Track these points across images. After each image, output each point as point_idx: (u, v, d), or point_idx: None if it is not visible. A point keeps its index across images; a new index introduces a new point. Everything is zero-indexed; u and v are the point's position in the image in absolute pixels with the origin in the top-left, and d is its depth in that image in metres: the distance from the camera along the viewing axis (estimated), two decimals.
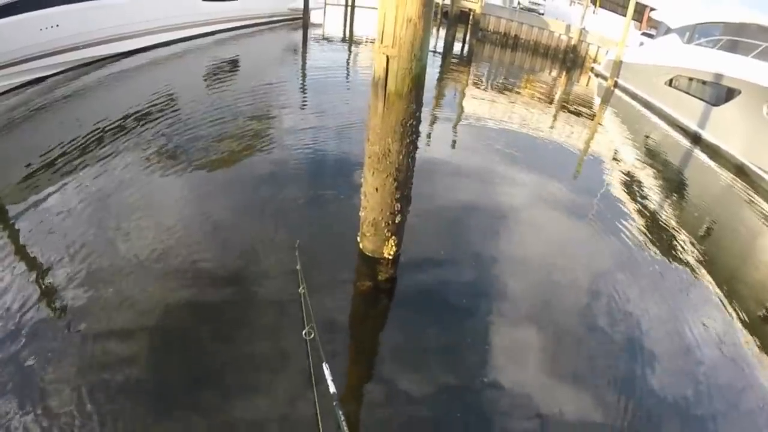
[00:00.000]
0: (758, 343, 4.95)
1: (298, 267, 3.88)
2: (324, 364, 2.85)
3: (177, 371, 3.32)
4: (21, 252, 4.19)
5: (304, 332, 3.23)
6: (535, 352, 4.02)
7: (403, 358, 3.63)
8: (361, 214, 3.96)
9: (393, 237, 3.90)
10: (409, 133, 3.44)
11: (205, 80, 11.06)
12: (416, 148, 3.76)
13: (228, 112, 8.38)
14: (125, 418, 2.98)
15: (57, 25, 9.64)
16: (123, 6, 11.53)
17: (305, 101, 10.15)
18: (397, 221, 3.79)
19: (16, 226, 4.58)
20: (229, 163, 6.43)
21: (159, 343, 3.50)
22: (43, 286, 3.80)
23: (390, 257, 4.08)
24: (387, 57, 3.13)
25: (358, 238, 4.30)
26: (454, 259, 4.90)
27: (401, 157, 3.48)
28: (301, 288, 3.62)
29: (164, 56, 12.36)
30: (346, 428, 2.42)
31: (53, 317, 3.55)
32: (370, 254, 4.07)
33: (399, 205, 3.72)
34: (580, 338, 4.32)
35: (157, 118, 7.64)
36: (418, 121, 3.50)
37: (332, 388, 2.74)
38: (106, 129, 7.05)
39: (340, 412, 2.55)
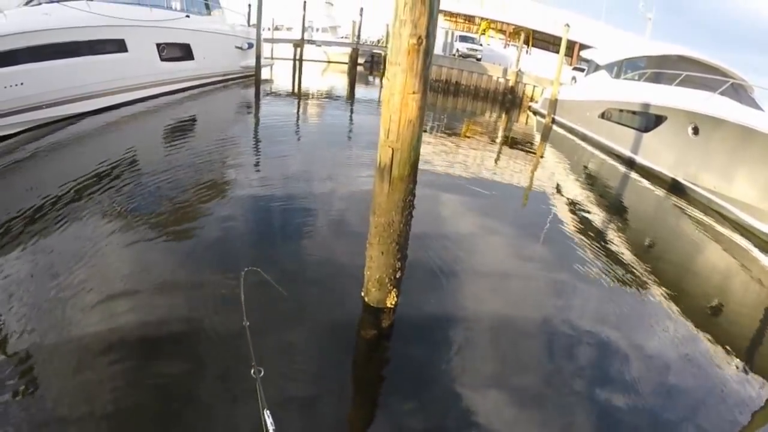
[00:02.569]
0: (711, 340, 5.22)
1: (242, 298, 3.78)
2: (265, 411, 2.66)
3: None
4: None
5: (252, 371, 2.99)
6: (502, 371, 4.20)
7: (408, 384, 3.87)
8: (367, 273, 4.47)
9: (395, 289, 4.42)
10: (409, 207, 4.09)
11: (165, 139, 10.98)
12: (412, 217, 4.26)
13: (187, 171, 8.28)
14: None
15: (21, 84, 9.55)
16: (86, 66, 11.52)
17: (259, 155, 10.25)
18: (398, 276, 4.37)
19: None
20: (185, 224, 6.29)
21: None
22: None
23: (392, 306, 4.52)
24: (392, 150, 3.78)
25: (362, 293, 4.65)
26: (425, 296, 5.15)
27: (402, 226, 4.11)
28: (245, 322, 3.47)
29: (125, 116, 12.29)
30: None
31: None
32: (374, 305, 4.53)
33: (400, 264, 4.31)
34: (548, 359, 4.48)
35: (115, 180, 7.46)
36: (414, 196, 4.11)
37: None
38: (66, 191, 6.86)
39: None
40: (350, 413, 3.60)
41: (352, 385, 3.92)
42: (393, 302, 4.44)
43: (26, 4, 11.35)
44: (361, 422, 3.52)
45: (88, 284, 4.60)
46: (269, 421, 2.60)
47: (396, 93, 3.49)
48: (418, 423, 3.49)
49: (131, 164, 8.47)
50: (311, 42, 31.08)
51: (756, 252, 8.43)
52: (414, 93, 3.45)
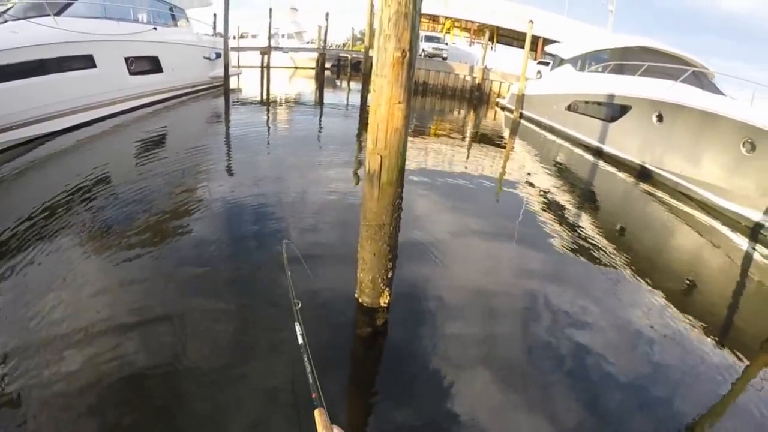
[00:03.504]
0: (686, 316, 5.49)
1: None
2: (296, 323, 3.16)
3: None
4: None
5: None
6: (492, 367, 4.29)
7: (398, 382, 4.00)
8: (360, 275, 4.61)
9: (387, 289, 4.58)
10: (397, 210, 4.28)
11: (137, 154, 10.76)
12: (401, 219, 4.42)
13: (161, 183, 8.26)
14: None
15: None
16: (55, 84, 11.35)
17: (231, 164, 10.27)
18: (389, 276, 4.53)
19: None
20: (162, 238, 6.23)
21: None
22: None
23: (386, 305, 4.67)
24: (381, 157, 3.97)
25: (356, 294, 4.79)
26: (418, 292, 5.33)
27: (392, 228, 4.30)
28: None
29: (96, 133, 12.08)
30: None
31: None
32: (368, 305, 4.67)
33: (391, 264, 4.48)
34: (532, 351, 4.61)
35: (88, 199, 7.37)
36: (402, 199, 4.31)
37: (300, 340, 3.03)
38: (37, 214, 6.71)
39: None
40: (348, 410, 3.75)
41: (348, 384, 4.06)
42: (386, 301, 4.63)
43: None
44: (358, 419, 3.65)
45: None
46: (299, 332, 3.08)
47: (382, 103, 3.70)
48: (413, 418, 3.62)
49: (104, 182, 8.36)
50: (278, 48, 31.16)
51: (723, 229, 8.89)
52: (399, 103, 3.66)
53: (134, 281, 5.10)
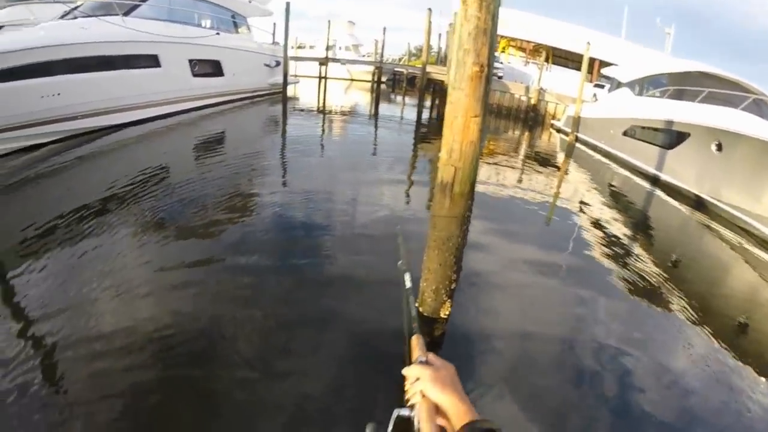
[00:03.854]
0: (737, 359, 5.31)
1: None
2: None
3: None
4: None
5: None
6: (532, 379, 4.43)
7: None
8: (423, 284, 4.72)
9: (449, 300, 4.68)
10: (466, 222, 4.42)
11: (195, 153, 11.41)
12: (468, 231, 4.57)
13: (215, 185, 8.55)
14: None
15: (58, 94, 10.01)
16: (121, 79, 12.05)
17: (286, 170, 10.58)
18: (452, 288, 4.64)
19: None
20: (216, 234, 6.54)
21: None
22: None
23: (445, 317, 4.78)
24: (455, 168, 4.12)
25: (417, 303, 4.86)
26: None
27: (460, 239, 4.41)
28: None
29: (157, 129, 12.82)
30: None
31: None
32: (428, 315, 4.79)
33: (455, 276, 4.59)
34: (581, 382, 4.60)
35: (146, 191, 7.81)
36: (471, 212, 4.48)
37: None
38: (98, 200, 7.24)
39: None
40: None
41: (398, 394, 4.14)
42: (447, 312, 4.71)
43: (62, 17, 11.95)
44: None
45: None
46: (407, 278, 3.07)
47: (459, 116, 3.85)
48: None
49: (161, 177, 8.85)
50: (335, 60, 31.75)
51: None
52: (476, 116, 3.81)
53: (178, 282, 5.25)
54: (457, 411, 1.16)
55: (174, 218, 6.88)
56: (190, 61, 15.43)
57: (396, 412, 1.26)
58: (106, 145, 10.82)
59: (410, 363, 1.47)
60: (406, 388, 1.35)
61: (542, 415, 4.01)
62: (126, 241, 5.98)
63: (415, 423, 1.20)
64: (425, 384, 1.26)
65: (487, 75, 3.75)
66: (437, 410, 1.20)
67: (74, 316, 4.34)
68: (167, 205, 7.33)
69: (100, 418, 3.32)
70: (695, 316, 6.18)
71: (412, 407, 1.26)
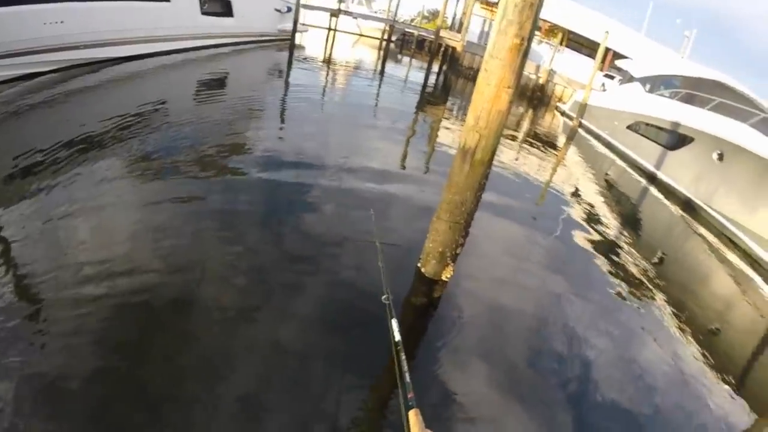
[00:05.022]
0: (705, 361, 5.49)
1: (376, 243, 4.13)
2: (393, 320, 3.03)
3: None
4: None
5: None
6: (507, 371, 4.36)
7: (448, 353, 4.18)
8: (429, 245, 4.74)
9: (452, 264, 4.72)
10: (482, 188, 4.45)
11: (196, 92, 11.21)
12: (481, 198, 4.58)
13: (211, 125, 8.42)
14: None
15: (62, 22, 9.57)
16: (127, 10, 11.61)
17: (285, 116, 10.45)
18: (457, 252, 4.69)
19: None
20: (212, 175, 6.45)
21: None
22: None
23: (446, 279, 4.80)
24: (479, 135, 4.08)
25: (419, 264, 4.91)
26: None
27: (472, 205, 4.45)
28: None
29: (161, 65, 12.50)
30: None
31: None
32: (430, 277, 4.79)
33: (462, 240, 4.64)
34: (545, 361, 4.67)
35: (145, 126, 7.64)
36: (487, 180, 4.46)
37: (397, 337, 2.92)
38: (93, 133, 7.01)
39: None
40: (378, 376, 3.78)
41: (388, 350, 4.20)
42: (448, 275, 4.75)
43: None
44: (387, 385, 3.68)
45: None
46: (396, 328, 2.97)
47: (492, 84, 3.80)
48: (435, 392, 3.72)
49: (160, 114, 8.67)
50: (347, 13, 31.08)
51: (761, 283, 8.75)
52: (508, 87, 3.77)
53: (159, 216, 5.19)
54: None
55: (164, 156, 6.72)
56: None
57: None
58: (108, 78, 10.51)
59: None
60: None
61: (510, 391, 4.08)
62: (113, 175, 5.82)
63: None
64: None
65: (526, 49, 3.72)
66: None
67: (52, 250, 4.24)
68: (159, 142, 7.18)
69: (77, 351, 3.31)
70: (669, 315, 6.34)
71: None
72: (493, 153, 4.24)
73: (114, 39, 11.34)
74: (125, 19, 11.62)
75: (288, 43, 20.65)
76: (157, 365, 3.35)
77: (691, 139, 12.36)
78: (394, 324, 2.98)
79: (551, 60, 25.81)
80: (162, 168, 6.28)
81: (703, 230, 10.68)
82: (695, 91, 14.17)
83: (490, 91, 3.82)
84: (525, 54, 3.72)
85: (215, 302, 4.01)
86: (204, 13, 15.23)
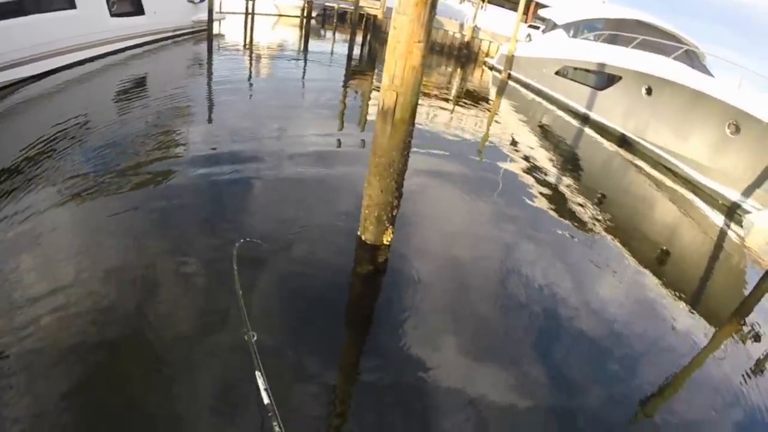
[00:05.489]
0: (659, 285, 5.67)
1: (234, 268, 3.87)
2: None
3: None
4: None
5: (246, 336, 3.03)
6: (465, 324, 4.29)
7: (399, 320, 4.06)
8: (365, 211, 4.67)
9: (390, 227, 4.67)
10: (408, 147, 4.34)
11: (116, 100, 10.21)
12: (409, 157, 4.43)
13: (140, 131, 7.81)
14: None
15: None
16: (33, 25, 10.43)
17: (212, 112, 9.88)
18: (394, 214, 4.62)
19: None
20: (143, 187, 5.89)
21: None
22: None
23: (388, 243, 4.75)
24: (396, 94, 3.99)
25: (359, 231, 4.83)
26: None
27: (401, 165, 4.37)
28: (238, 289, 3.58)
29: (75, 77, 11.42)
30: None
31: None
32: (371, 243, 4.73)
33: (397, 202, 4.56)
34: (508, 309, 4.66)
35: (67, 146, 6.86)
36: (412, 137, 4.35)
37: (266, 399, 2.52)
38: (11, 164, 6.13)
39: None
40: (341, 350, 3.75)
41: (345, 320, 4.11)
42: (389, 239, 4.69)
43: None
44: (350, 358, 3.69)
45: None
46: (261, 381, 2.55)
47: (402, 41, 3.67)
48: (398, 356, 3.64)
49: (83, 128, 7.84)
50: None
51: (700, 204, 9.13)
52: (419, 42, 3.64)
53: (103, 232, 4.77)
54: None
55: (93, 171, 6.10)
56: None
57: None
58: (15, 102, 9.11)
59: None
60: None
61: (476, 339, 4.08)
62: (46, 200, 5.23)
63: None
64: None
65: (433, 2, 3.60)
66: None
67: None
68: (86, 157, 6.51)
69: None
70: (619, 246, 6.48)
71: None
72: (414, 110, 4.16)
73: (20, 59, 10.26)
74: (31, 35, 10.56)
75: (205, 34, 19.82)
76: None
77: (619, 78, 12.61)
78: (260, 381, 2.52)
79: (474, 17, 25.75)
80: (93, 185, 5.71)
81: (640, 162, 10.99)
82: (618, 31, 14.37)
83: (402, 47, 3.70)
84: (433, 6, 3.60)
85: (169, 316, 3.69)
86: (113, 15, 14.21)
